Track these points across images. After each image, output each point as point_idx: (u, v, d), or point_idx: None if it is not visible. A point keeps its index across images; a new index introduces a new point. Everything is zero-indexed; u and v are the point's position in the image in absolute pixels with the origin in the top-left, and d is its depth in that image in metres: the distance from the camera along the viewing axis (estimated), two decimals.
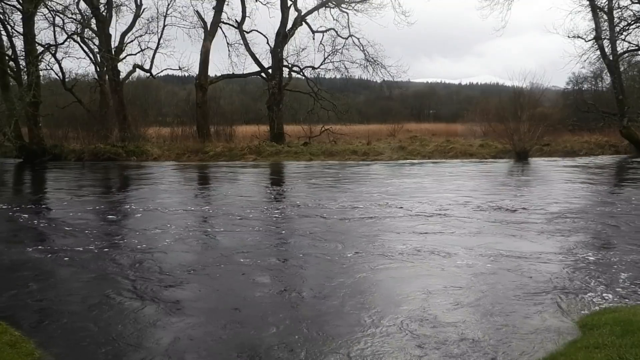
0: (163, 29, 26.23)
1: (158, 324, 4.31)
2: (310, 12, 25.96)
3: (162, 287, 5.22)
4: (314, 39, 26.58)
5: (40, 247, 6.99)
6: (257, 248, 6.78)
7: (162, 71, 28.33)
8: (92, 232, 7.83)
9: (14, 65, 21.51)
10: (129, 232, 7.87)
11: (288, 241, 7.29)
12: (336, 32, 26.23)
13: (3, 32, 21.11)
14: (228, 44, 26.60)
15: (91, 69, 28.82)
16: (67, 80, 25.51)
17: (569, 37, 24.39)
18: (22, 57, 21.35)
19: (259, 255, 6.40)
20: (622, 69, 25.76)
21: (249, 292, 5.07)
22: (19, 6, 20.88)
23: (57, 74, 25.45)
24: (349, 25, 25.96)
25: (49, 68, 24.99)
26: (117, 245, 7.04)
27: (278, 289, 5.19)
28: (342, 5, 25.60)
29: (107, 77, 24.90)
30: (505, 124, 20.49)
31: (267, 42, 25.51)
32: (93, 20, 24.83)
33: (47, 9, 22.47)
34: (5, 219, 8.92)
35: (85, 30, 24.77)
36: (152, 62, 26.63)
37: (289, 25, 25.31)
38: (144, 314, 4.53)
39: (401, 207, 9.47)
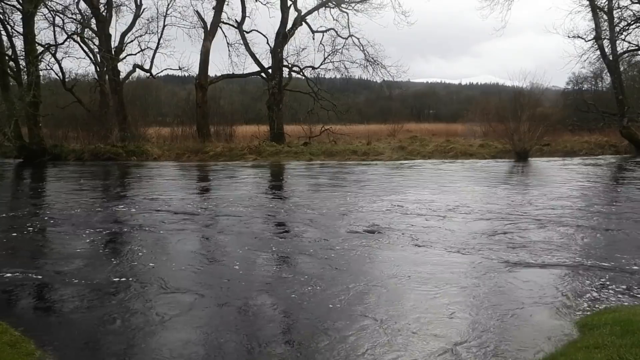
0: (163, 29, 26.30)
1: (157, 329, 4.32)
2: (310, 12, 25.98)
3: (163, 293, 5.21)
4: (314, 39, 26.65)
5: (40, 252, 6.98)
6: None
7: (162, 71, 28.43)
8: (91, 234, 7.82)
9: (14, 65, 21.50)
10: (129, 236, 7.85)
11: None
12: (336, 32, 26.28)
13: (3, 32, 21.13)
14: (228, 44, 26.68)
15: (91, 69, 28.90)
16: (67, 80, 25.51)
17: (568, 37, 24.49)
18: (22, 57, 21.34)
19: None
20: (622, 69, 25.80)
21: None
22: (19, 6, 20.87)
23: (57, 74, 25.49)
24: (349, 25, 26.01)
25: (49, 68, 25.03)
26: (118, 248, 7.04)
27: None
28: (342, 5, 25.61)
29: (107, 77, 24.90)
30: (505, 124, 20.50)
31: (267, 42, 25.57)
32: (93, 20, 24.86)
33: (47, 9, 22.54)
34: (4, 223, 8.89)
35: (85, 30, 24.80)
36: (152, 62, 26.70)
37: (289, 25, 25.32)
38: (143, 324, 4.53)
39: (403, 207, 9.48)
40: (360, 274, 5.57)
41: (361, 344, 3.84)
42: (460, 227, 7.80)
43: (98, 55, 24.62)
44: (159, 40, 26.35)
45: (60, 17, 23.47)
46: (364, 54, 26.27)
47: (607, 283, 5.17)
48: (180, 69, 27.17)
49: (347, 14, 25.80)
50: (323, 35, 26.43)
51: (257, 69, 26.28)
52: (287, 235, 7.64)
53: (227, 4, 25.50)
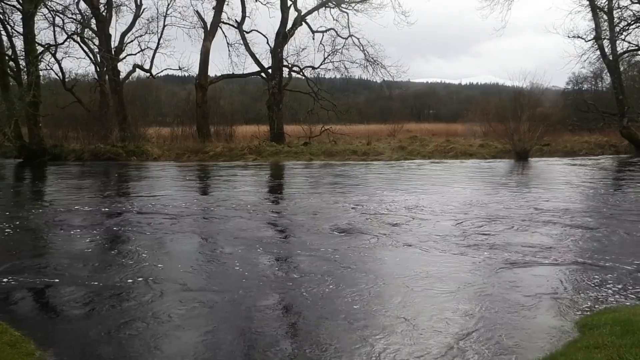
0: (163, 29, 26.32)
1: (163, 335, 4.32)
2: (310, 12, 25.98)
3: (177, 293, 5.21)
4: (314, 39, 26.65)
5: (40, 252, 6.97)
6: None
7: (162, 71, 28.45)
8: (92, 235, 7.82)
9: (14, 65, 21.49)
10: (128, 236, 7.84)
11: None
12: (336, 32, 26.28)
13: (3, 32, 21.12)
14: (228, 44, 26.69)
15: (91, 69, 28.88)
16: (67, 80, 25.50)
17: (568, 37, 24.52)
18: (22, 57, 21.32)
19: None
20: (622, 69, 25.81)
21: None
22: (19, 6, 20.87)
23: (57, 74, 25.48)
24: (348, 25, 26.01)
25: (49, 68, 25.01)
26: (118, 248, 7.04)
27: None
28: (342, 5, 25.60)
29: (107, 77, 24.90)
30: (505, 124, 20.51)
31: (267, 42, 25.58)
32: (93, 20, 24.86)
33: (47, 9, 22.53)
34: (4, 224, 8.88)
35: (85, 30, 24.79)
36: (152, 62, 26.72)
37: (289, 25, 25.32)
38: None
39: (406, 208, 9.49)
40: (370, 273, 5.58)
41: (389, 344, 3.86)
42: (459, 228, 7.80)
43: (98, 55, 24.62)
44: (159, 40, 26.42)
45: (60, 17, 23.51)
46: (364, 54, 26.32)
47: (607, 282, 5.17)
48: (180, 69, 27.24)
49: (347, 14, 25.85)
50: (323, 35, 26.48)
51: (257, 69, 26.31)
52: (285, 236, 7.65)
53: (227, 4, 25.56)
